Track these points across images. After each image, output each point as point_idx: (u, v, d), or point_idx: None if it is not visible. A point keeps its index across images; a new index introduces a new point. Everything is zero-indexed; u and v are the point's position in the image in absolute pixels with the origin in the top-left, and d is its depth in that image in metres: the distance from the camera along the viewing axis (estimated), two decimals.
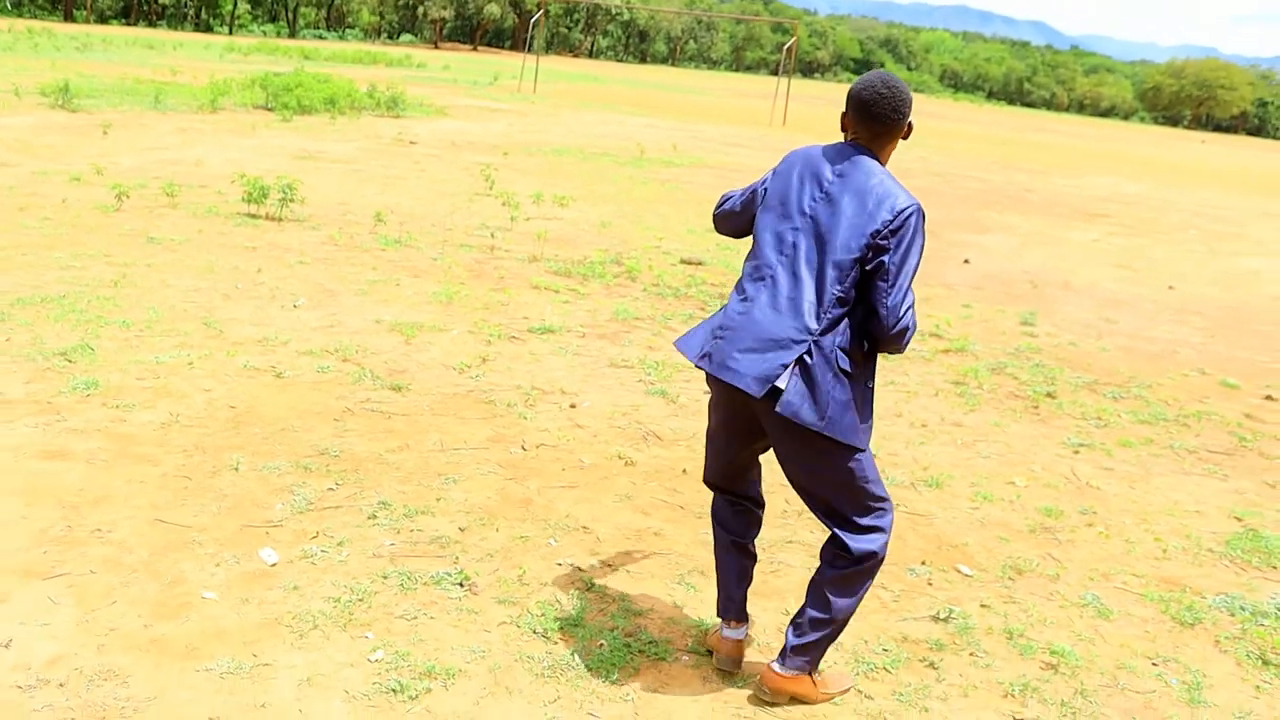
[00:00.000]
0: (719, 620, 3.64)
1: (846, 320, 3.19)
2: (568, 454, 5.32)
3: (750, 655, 3.69)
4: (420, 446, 5.18)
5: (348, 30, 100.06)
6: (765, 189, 3.44)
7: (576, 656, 3.56)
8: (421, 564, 4.05)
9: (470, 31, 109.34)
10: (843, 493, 3.30)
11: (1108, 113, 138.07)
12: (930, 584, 4.39)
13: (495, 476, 4.94)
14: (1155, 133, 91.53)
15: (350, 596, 3.76)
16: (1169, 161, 42.83)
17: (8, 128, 15.11)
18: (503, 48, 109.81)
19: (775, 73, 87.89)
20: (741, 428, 3.44)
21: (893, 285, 3.14)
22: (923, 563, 4.56)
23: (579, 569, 4.17)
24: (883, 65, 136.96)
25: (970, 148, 34.73)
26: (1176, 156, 48.38)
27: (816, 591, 3.37)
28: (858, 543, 3.31)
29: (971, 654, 3.87)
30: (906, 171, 21.33)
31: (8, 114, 16.79)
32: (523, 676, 3.43)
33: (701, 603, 4.00)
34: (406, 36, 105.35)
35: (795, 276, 3.20)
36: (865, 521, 3.32)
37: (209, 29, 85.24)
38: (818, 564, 3.42)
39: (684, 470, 5.27)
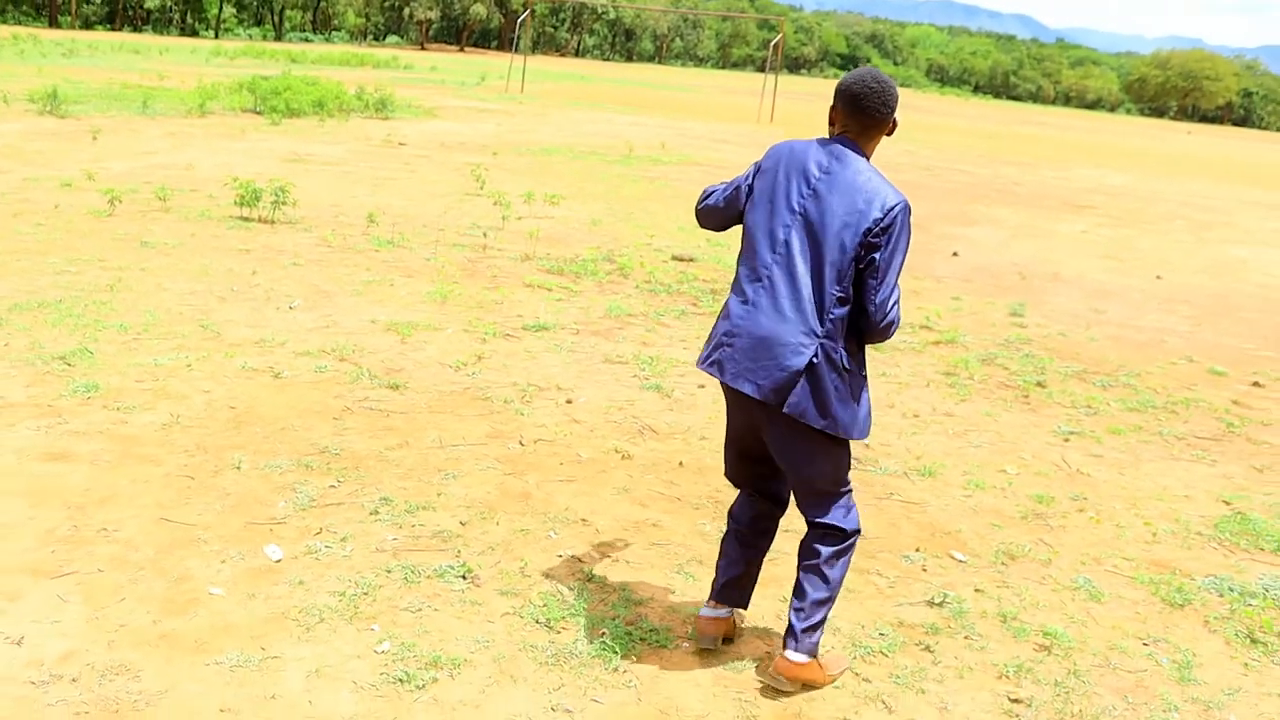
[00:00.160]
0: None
1: (846, 318, 3.28)
2: (565, 449, 5.39)
3: (753, 647, 3.76)
4: (419, 443, 5.24)
5: (333, 32, 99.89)
6: (750, 185, 3.50)
7: (579, 645, 3.62)
8: (424, 558, 4.11)
9: (456, 32, 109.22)
10: (832, 477, 3.47)
11: (1094, 105, 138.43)
12: (925, 570, 4.47)
13: (494, 472, 5.00)
14: (1141, 124, 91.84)
15: (355, 590, 3.82)
16: (1155, 152, 43.03)
17: None
18: (489, 48, 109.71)
19: (762, 69, 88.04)
20: (752, 437, 3.55)
21: (881, 282, 3.24)
22: (917, 550, 4.63)
23: (579, 560, 4.24)
24: (869, 61, 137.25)
25: (957, 141, 34.87)
26: (1163, 147, 48.59)
27: (813, 574, 3.46)
28: (847, 521, 3.50)
29: (966, 637, 3.95)
30: (894, 166, 21.43)
31: None
32: (527, 665, 3.49)
33: (700, 591, 4.07)
34: (392, 38, 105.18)
35: (792, 276, 3.28)
36: (845, 500, 3.51)
37: (194, 33, 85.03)
38: (797, 559, 3.54)
39: (680, 463, 5.34)
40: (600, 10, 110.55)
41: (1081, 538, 4.94)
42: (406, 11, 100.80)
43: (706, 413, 6.07)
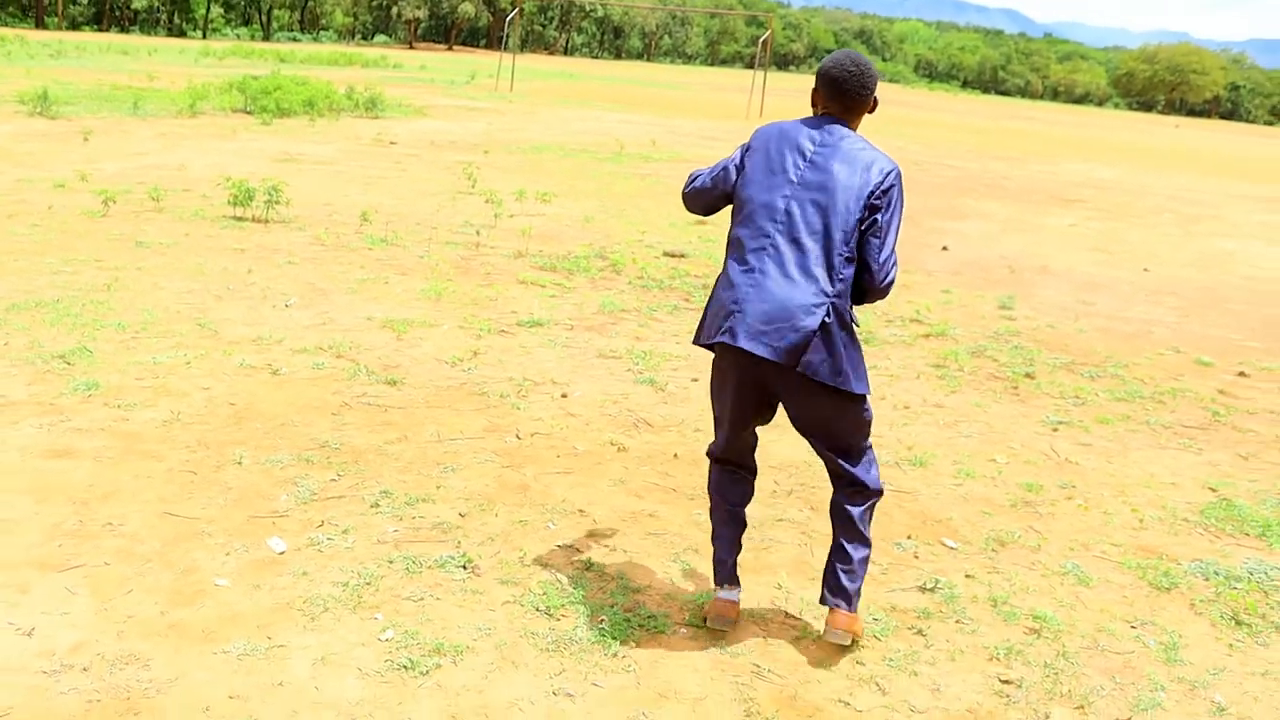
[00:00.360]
0: (715, 589, 3.81)
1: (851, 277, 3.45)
2: (561, 441, 5.46)
3: (748, 631, 3.83)
4: (418, 438, 5.31)
5: (321, 32, 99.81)
6: (740, 163, 3.63)
7: (579, 631, 3.70)
8: (425, 549, 4.18)
9: (445, 31, 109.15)
10: (856, 434, 3.63)
11: (1082, 99, 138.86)
12: (916, 557, 4.55)
13: (492, 464, 5.07)
14: (1129, 118, 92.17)
15: (358, 581, 3.89)
16: (1143, 146, 43.22)
17: None
18: (478, 46, 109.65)
19: (751, 66, 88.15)
20: (756, 398, 3.65)
21: (883, 241, 3.45)
22: (909, 537, 4.72)
23: (577, 550, 4.31)
24: None
25: (946, 136, 34.99)
26: (1151, 141, 48.80)
27: (852, 533, 3.67)
28: (871, 478, 3.68)
29: (958, 621, 4.03)
30: None
31: None
32: (528, 651, 3.57)
33: (697, 578, 4.15)
34: (381, 37, 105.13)
35: (797, 243, 3.41)
36: (870, 454, 3.69)
37: (182, 33, 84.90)
38: (832, 524, 3.75)
39: (675, 455, 5.41)
40: (588, 8, 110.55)
41: (1070, 524, 5.03)
42: (394, 10, 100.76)
43: (700, 405, 6.14)
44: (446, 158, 16.87)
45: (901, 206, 3.51)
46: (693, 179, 3.78)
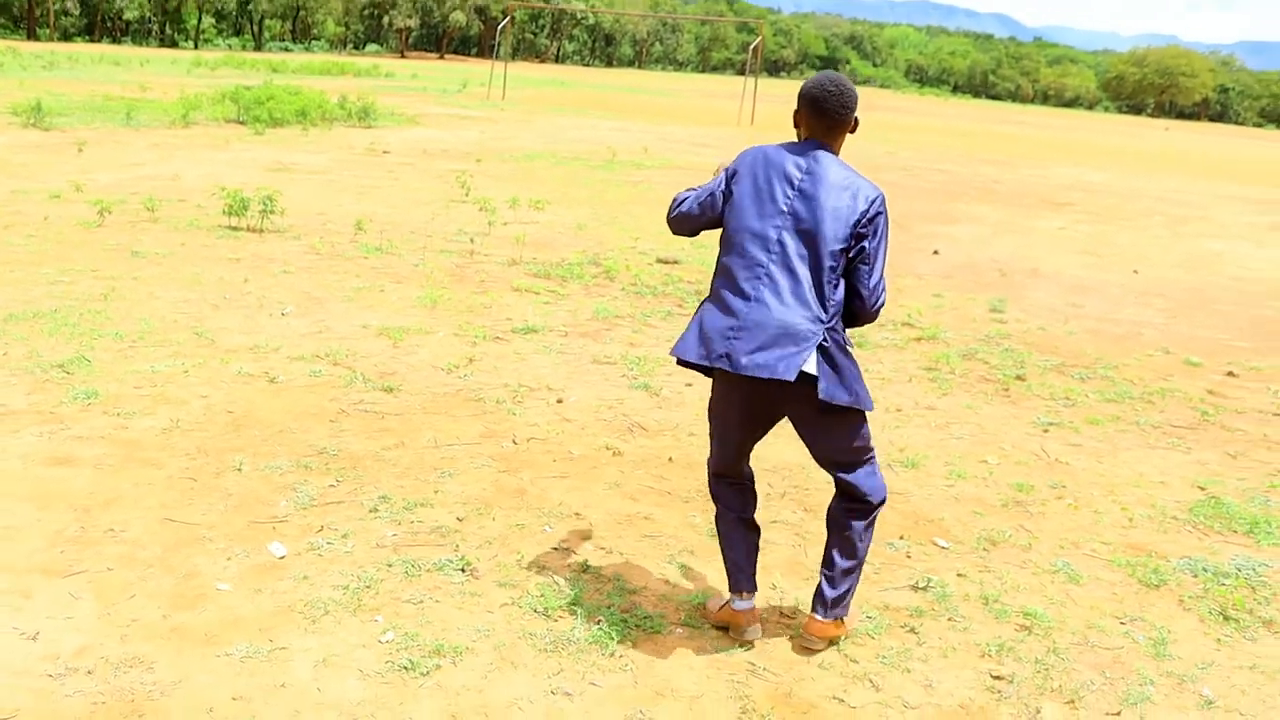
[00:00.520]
0: (729, 595, 3.85)
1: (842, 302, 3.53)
2: (557, 446, 5.51)
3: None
4: (415, 443, 5.36)
5: (313, 41, 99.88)
6: (727, 190, 3.67)
7: (576, 632, 3.75)
8: (424, 552, 4.24)
9: (436, 40, 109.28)
10: (860, 449, 3.69)
11: (1072, 103, 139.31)
12: (909, 557, 4.61)
13: (489, 469, 5.13)
14: (1119, 121, 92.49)
15: (358, 584, 3.94)
16: (1133, 149, 43.40)
17: None
18: (469, 55, 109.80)
19: (742, 72, 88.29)
20: (760, 419, 3.73)
21: (872, 267, 3.54)
22: (901, 537, 4.78)
23: (574, 552, 4.37)
24: (848, 62, 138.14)
25: (937, 141, 35.13)
26: (1141, 144, 48.99)
27: (844, 544, 3.72)
28: (872, 487, 3.73)
29: (950, 619, 4.09)
30: (875, 166, 21.63)
31: None
32: (526, 652, 3.62)
33: (692, 580, 4.21)
34: (372, 46, 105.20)
35: (791, 271, 3.48)
36: (871, 469, 3.74)
37: (174, 44, 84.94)
38: (828, 531, 3.79)
39: (670, 458, 5.47)
40: (580, 16, 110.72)
41: (1060, 523, 5.09)
42: (386, 20, 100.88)
43: (694, 410, 6.20)
44: (440, 166, 16.94)
45: (887, 231, 3.58)
46: (678, 203, 3.81)
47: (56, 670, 3.29)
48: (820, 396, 3.44)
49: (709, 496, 3.99)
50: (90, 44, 73.23)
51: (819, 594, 3.74)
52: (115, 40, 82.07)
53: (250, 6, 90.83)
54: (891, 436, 6.08)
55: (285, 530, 4.32)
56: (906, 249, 12.28)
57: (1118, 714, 3.55)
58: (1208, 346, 9.01)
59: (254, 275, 8.56)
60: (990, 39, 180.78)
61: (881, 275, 3.57)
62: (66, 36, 79.38)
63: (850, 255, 3.50)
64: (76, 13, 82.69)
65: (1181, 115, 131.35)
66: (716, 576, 4.22)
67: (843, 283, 3.52)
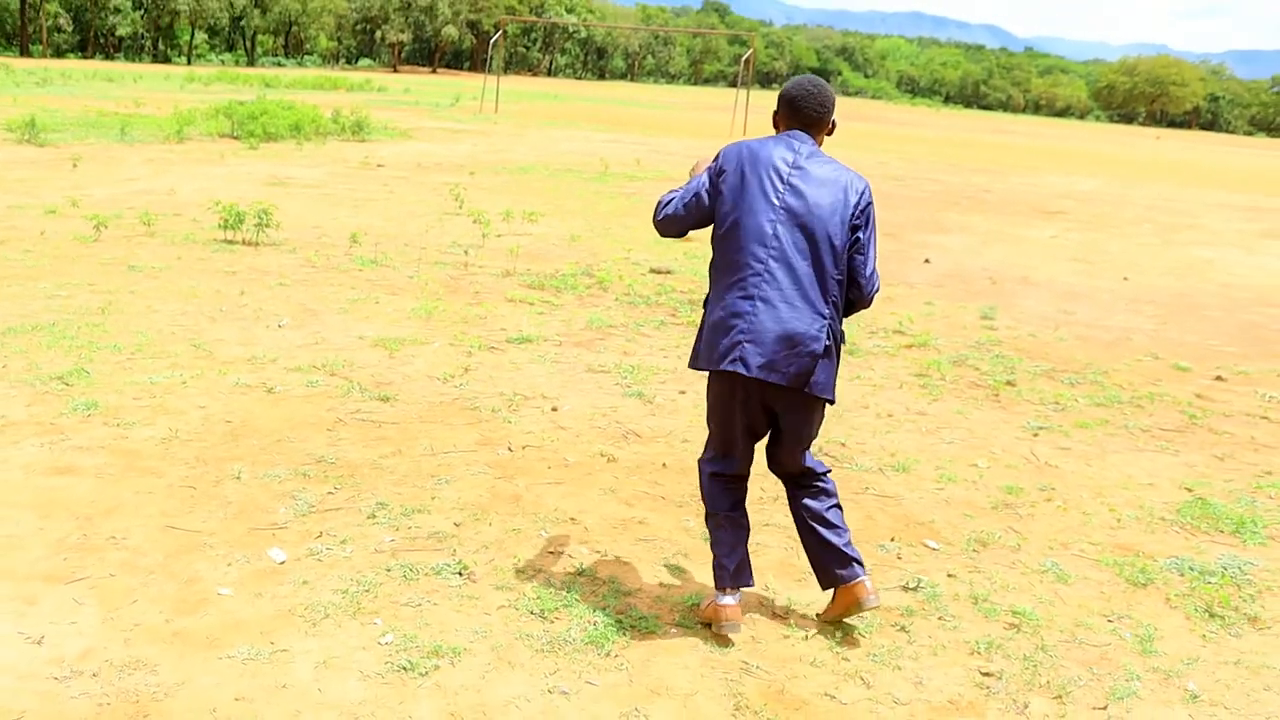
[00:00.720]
0: (714, 591, 3.90)
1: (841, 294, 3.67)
2: (552, 453, 5.58)
3: (743, 629, 3.94)
4: (411, 451, 5.42)
5: (306, 57, 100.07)
6: (714, 188, 3.72)
7: (572, 633, 3.81)
8: (421, 557, 4.30)
9: (429, 54, 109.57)
10: (814, 436, 3.86)
11: (1063, 112, 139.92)
12: (899, 558, 4.67)
13: (485, 476, 5.19)
14: (1110, 130, 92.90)
15: (357, 588, 4.00)
16: (1124, 158, 43.61)
17: None
18: (462, 69, 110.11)
19: (734, 85, 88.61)
20: (762, 419, 3.82)
21: (867, 257, 3.68)
22: (892, 539, 4.84)
23: (570, 556, 4.43)
24: (840, 74, 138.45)
25: (929, 151, 35.29)
26: (1131, 153, 49.23)
27: (832, 513, 3.90)
28: (820, 464, 3.95)
29: (940, 618, 4.15)
30: (867, 176, 21.53)
31: None
32: (523, 652, 3.68)
33: (686, 581, 4.28)
34: (365, 61, 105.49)
35: (791, 267, 3.58)
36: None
37: (167, 60, 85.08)
38: (805, 527, 3.95)
39: (664, 464, 5.54)
40: (571, 30, 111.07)
41: (1049, 525, 5.17)
42: (378, 34, 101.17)
43: (688, 417, 6.27)
44: (433, 179, 17.02)
45: (876, 220, 3.75)
46: (663, 205, 3.84)
47: (62, 673, 3.35)
48: (815, 392, 3.58)
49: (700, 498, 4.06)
50: (83, 60, 73.34)
51: (848, 558, 3.84)
52: (108, 56, 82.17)
53: (243, 22, 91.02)
54: (883, 441, 6.16)
55: (285, 536, 4.38)
56: (898, 258, 12.37)
57: (1104, 708, 3.62)
58: (1196, 352, 9.10)
59: (250, 288, 8.62)
60: (981, 49, 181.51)
61: (875, 264, 3.72)
62: (59, 53, 79.52)
63: (848, 248, 3.64)
64: (69, 29, 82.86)
65: (1172, 124, 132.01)
66: (710, 578, 4.27)
67: (844, 274, 3.65)
